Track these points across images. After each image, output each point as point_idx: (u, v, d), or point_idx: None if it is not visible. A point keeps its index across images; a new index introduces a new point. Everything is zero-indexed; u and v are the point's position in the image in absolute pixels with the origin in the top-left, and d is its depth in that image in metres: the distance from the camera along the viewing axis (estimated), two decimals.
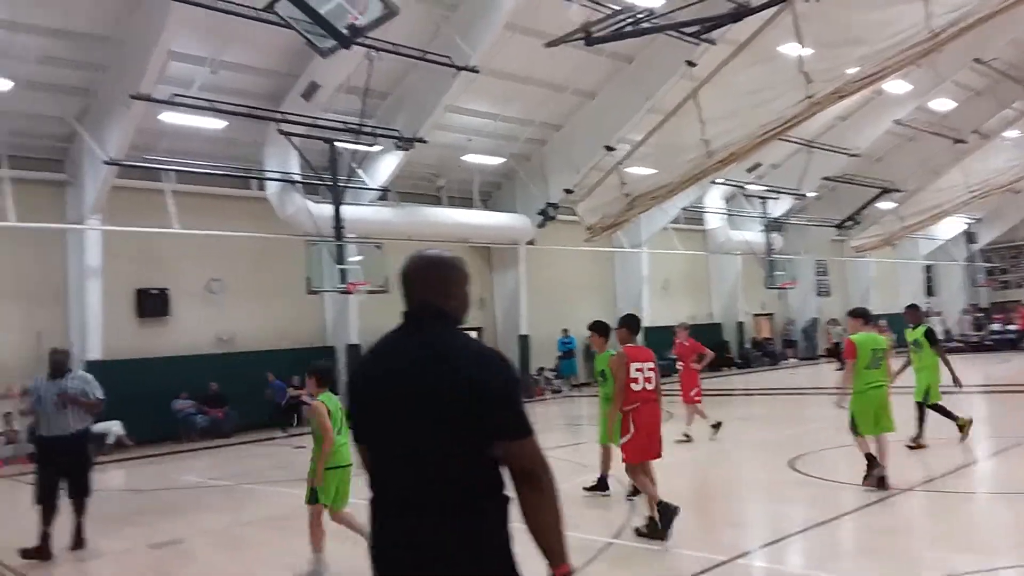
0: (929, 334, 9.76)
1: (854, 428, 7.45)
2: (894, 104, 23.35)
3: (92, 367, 15.42)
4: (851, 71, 14.85)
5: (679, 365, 11.96)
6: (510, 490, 2.09)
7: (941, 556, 5.49)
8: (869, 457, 7.29)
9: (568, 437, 13.63)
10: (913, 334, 9.87)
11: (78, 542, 7.08)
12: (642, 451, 6.27)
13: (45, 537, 6.85)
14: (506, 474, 2.09)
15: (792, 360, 29.71)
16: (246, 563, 6.50)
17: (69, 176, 16.30)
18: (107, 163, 14.77)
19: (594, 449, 11.44)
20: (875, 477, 7.15)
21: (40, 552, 6.80)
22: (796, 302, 31.66)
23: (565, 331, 23.44)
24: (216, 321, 18.03)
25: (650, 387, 6.27)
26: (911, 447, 9.13)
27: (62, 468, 7.05)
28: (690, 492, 8.22)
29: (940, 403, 9.49)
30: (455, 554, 2.02)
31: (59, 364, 7.20)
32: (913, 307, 10.42)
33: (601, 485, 7.87)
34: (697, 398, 11.41)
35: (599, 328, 7.46)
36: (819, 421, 13.81)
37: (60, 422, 6.97)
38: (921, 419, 9.35)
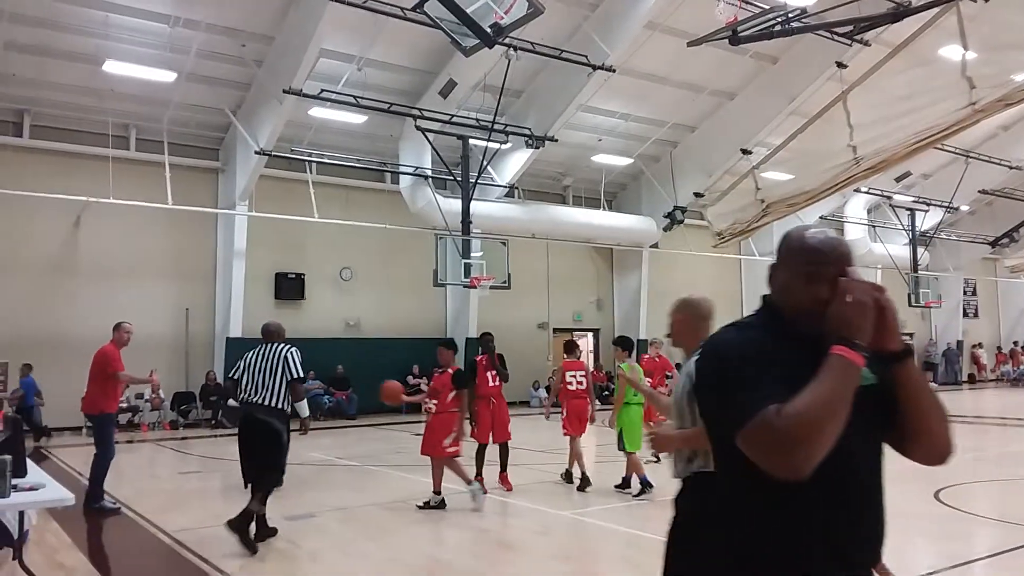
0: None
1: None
2: None
3: (232, 344, 16.46)
4: (1020, 77, 13.70)
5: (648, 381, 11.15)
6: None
7: None
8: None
9: None
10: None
11: (258, 528, 6.36)
12: (574, 428, 9.23)
13: (248, 515, 6.20)
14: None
15: (932, 385, 27.76)
16: (373, 540, 6.68)
17: (222, 164, 17.41)
18: (258, 153, 15.63)
19: None
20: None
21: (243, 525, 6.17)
22: (940, 323, 29.60)
23: None
24: (345, 307, 18.77)
25: (581, 387, 9.30)
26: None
27: (252, 442, 6.36)
28: None
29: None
30: None
31: (272, 333, 6.72)
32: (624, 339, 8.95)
33: (629, 484, 8.74)
34: (662, 417, 10.74)
35: (621, 343, 8.88)
36: (969, 451, 12.84)
37: (260, 391, 6.34)
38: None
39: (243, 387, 6.47)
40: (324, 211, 16.95)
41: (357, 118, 16.36)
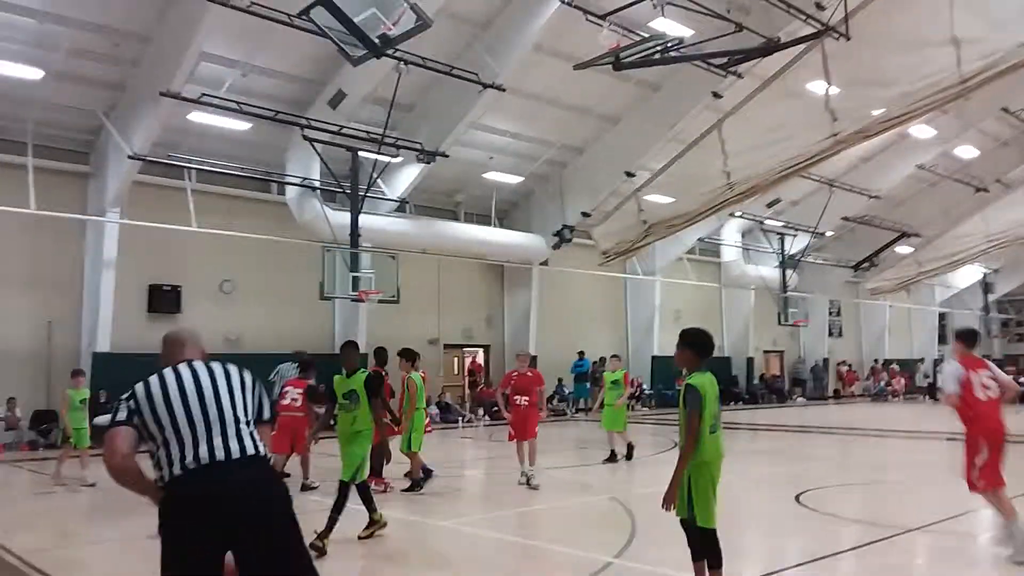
0: (370, 382, 7.08)
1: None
2: (918, 148, 23.30)
3: (99, 359, 15.53)
4: (877, 112, 14.85)
5: (524, 400, 10.05)
6: None
7: None
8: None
9: (574, 459, 13.55)
10: (349, 383, 7.09)
11: None
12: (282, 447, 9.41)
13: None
14: None
15: (800, 399, 29.46)
16: None
17: (92, 168, 16.46)
18: (131, 158, 14.89)
19: (597, 471, 11.36)
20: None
21: None
22: (808, 341, 31.45)
23: (581, 354, 23.34)
24: (225, 321, 18.05)
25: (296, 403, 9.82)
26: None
27: None
28: None
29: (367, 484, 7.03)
30: None
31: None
32: (351, 344, 7.47)
33: (420, 484, 9.46)
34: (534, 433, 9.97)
35: (405, 355, 9.77)
36: (826, 459, 13.68)
37: None
38: (339, 504, 6.65)
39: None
40: (204, 220, 16.27)
41: (241, 125, 15.86)
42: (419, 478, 9.49)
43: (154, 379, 3.28)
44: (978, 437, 6.20)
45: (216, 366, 3.38)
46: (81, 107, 15.39)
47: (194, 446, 3.08)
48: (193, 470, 3.05)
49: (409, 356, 9.74)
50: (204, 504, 3.00)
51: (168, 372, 3.31)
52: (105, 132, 15.73)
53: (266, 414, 3.44)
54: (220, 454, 3.08)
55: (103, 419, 14.40)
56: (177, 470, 3.07)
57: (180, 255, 17.26)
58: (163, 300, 17.15)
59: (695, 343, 4.72)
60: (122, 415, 3.22)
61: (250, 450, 3.15)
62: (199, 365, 3.37)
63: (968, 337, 6.61)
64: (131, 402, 3.24)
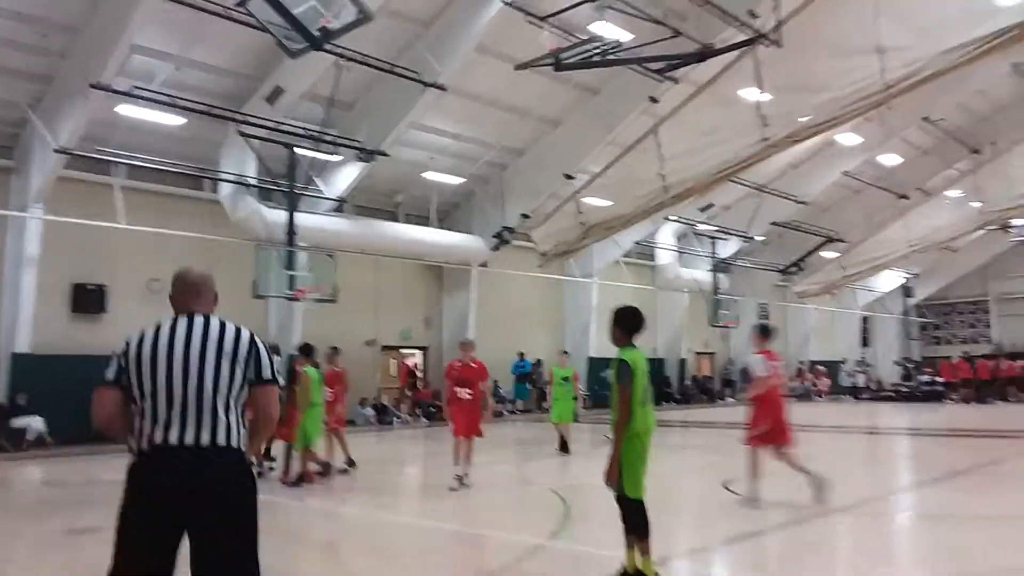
0: (289, 374, 7.44)
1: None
2: (844, 156, 24.23)
3: (18, 360, 14.90)
4: (804, 118, 15.41)
5: (467, 393, 9.34)
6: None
7: (858, 568, 5.88)
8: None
9: (512, 455, 13.64)
10: None
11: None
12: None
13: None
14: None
15: (730, 399, 30.22)
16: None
17: (15, 163, 15.77)
18: (57, 151, 14.35)
19: (534, 465, 11.44)
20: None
21: None
22: (737, 343, 32.28)
23: (521, 355, 23.46)
24: (153, 321, 17.46)
25: None
26: None
27: None
28: None
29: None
30: None
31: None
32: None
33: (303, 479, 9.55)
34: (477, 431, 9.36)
35: (303, 351, 10.18)
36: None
37: None
38: None
39: None
40: (132, 217, 15.75)
41: (173, 120, 15.42)
42: (302, 474, 9.45)
43: (147, 337, 3.08)
44: (768, 411, 7.83)
45: (214, 326, 3.15)
46: (4, 99, 14.76)
47: (165, 427, 2.95)
48: (155, 450, 2.95)
49: (305, 351, 10.00)
50: (155, 489, 2.91)
51: (163, 329, 3.09)
52: (30, 125, 15.11)
53: (265, 374, 3.14)
54: (189, 439, 2.95)
55: (23, 421, 13.77)
56: (144, 445, 2.97)
57: (107, 253, 16.68)
58: (87, 299, 16.53)
59: (624, 320, 5.03)
60: (111, 373, 3.06)
61: (221, 440, 2.97)
62: (197, 325, 3.13)
63: (765, 331, 8.51)
64: (122, 359, 3.06)
